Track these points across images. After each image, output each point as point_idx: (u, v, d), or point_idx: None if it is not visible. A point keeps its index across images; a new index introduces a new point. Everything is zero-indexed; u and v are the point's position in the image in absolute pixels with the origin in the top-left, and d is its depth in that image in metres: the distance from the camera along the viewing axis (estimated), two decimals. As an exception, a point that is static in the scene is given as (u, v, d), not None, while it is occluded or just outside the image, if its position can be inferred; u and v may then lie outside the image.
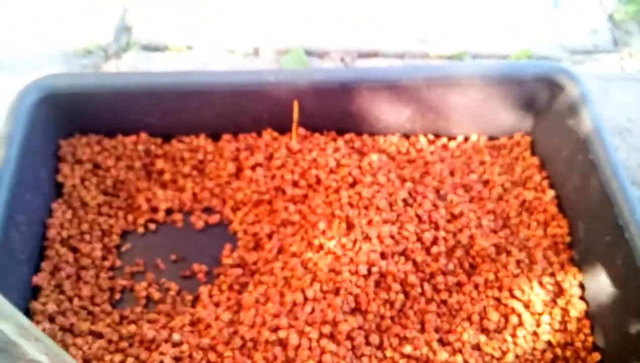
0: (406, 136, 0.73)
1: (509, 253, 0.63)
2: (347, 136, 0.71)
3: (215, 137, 0.69)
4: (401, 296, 0.58)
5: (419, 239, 0.62)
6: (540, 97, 0.69)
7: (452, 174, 0.70)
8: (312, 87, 0.65)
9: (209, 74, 0.65)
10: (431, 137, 0.73)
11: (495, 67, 0.67)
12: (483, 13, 0.95)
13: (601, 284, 0.59)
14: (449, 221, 0.64)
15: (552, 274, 0.62)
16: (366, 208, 0.63)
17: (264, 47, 0.88)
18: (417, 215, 0.64)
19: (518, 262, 0.63)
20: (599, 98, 0.85)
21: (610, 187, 0.58)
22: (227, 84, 0.64)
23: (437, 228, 0.63)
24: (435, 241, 0.62)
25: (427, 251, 0.62)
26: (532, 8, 0.96)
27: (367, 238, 0.60)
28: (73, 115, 0.64)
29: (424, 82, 0.67)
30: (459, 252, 0.62)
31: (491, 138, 0.75)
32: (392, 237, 0.60)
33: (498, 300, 0.61)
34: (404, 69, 0.67)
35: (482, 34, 0.92)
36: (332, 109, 0.69)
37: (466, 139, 0.74)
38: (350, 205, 0.64)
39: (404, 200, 0.65)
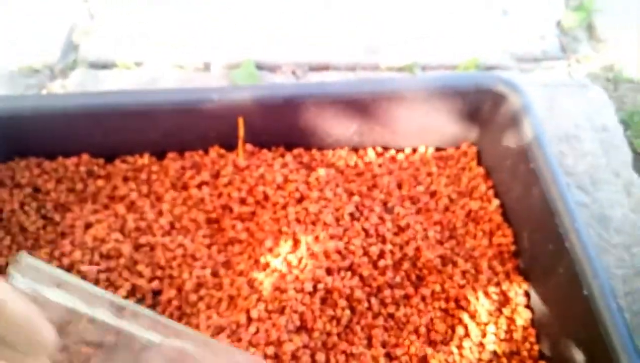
0: (355, 149, 0.73)
1: (455, 264, 0.63)
2: (296, 151, 0.71)
3: (160, 155, 0.68)
4: (347, 312, 0.58)
5: (366, 253, 0.62)
6: (484, 108, 0.70)
7: (399, 186, 0.70)
8: (256, 104, 0.65)
9: (151, 93, 0.64)
10: (380, 149, 0.74)
11: (438, 80, 0.68)
12: (433, 24, 0.96)
13: (546, 292, 0.60)
14: (395, 234, 0.65)
15: (498, 284, 0.63)
16: (313, 223, 0.63)
17: (215, 62, 0.87)
18: (364, 229, 0.64)
19: (464, 273, 0.63)
20: (547, 105, 0.86)
21: (551, 196, 0.59)
22: (170, 103, 0.63)
23: (384, 241, 0.63)
24: (382, 255, 0.62)
25: (374, 265, 0.62)
26: (481, 17, 0.98)
27: (313, 254, 0.60)
28: (11, 139, 0.63)
29: (369, 96, 0.67)
30: (405, 265, 0.62)
31: (439, 149, 0.75)
32: (339, 252, 0.60)
33: (445, 311, 0.61)
34: (348, 83, 0.67)
35: (432, 45, 0.93)
36: (279, 125, 0.68)
37: (414, 151, 0.75)
38: (298, 221, 0.63)
39: (351, 214, 0.65)
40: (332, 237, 0.61)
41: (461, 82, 0.68)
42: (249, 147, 0.69)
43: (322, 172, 0.67)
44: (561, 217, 0.57)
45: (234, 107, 0.65)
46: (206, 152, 0.69)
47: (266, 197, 0.66)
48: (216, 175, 0.67)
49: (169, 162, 0.67)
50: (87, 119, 0.63)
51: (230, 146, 0.69)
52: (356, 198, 0.66)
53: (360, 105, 0.68)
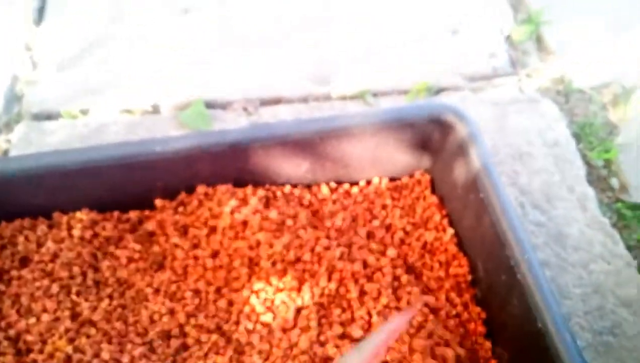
0: (309, 186, 0.73)
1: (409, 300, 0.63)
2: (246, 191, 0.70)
3: (101, 210, 0.67)
4: (305, 357, 0.57)
5: (326, 293, 0.61)
6: (434, 137, 0.69)
7: (354, 221, 0.70)
8: (201, 152, 0.64)
9: (92, 150, 0.63)
10: (333, 184, 0.73)
11: (384, 114, 0.67)
12: (382, 49, 0.95)
13: (503, 323, 0.60)
14: (353, 274, 0.64)
15: (457, 315, 0.63)
16: (273, 264, 0.62)
17: (163, 103, 0.86)
18: (325, 269, 0.63)
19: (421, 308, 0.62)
20: (498, 124, 0.87)
21: (501, 227, 0.59)
22: (112, 158, 0.62)
23: (341, 280, 0.63)
24: (344, 293, 0.62)
25: (335, 302, 0.61)
26: (430, 38, 0.98)
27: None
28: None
29: (317, 135, 0.66)
30: (370, 303, 0.62)
31: (393, 178, 0.75)
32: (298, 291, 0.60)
33: (406, 349, 0.60)
34: (294, 124, 0.67)
35: (383, 70, 0.92)
36: (226, 170, 0.67)
37: (368, 183, 0.74)
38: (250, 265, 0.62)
39: (311, 252, 0.64)
40: (293, 278, 0.61)
41: (408, 113, 0.68)
42: (200, 188, 0.68)
43: (273, 214, 0.66)
44: (512, 248, 0.57)
45: (179, 157, 0.63)
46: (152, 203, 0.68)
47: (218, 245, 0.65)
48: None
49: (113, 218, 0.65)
50: (27, 181, 0.61)
51: (176, 194, 0.68)
52: (310, 235, 0.65)
53: (308, 145, 0.67)
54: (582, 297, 0.71)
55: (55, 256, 0.62)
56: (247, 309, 0.60)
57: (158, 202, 0.67)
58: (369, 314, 0.61)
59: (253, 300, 0.61)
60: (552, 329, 0.52)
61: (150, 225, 0.65)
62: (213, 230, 0.65)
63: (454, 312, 0.63)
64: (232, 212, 0.64)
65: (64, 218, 0.65)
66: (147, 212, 0.67)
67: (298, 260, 0.63)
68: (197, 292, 0.62)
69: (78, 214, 0.65)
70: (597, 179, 0.84)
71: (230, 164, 0.67)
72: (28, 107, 0.84)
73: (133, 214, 0.67)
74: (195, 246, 0.64)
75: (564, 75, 0.96)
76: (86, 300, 0.60)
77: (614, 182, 0.84)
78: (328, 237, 0.67)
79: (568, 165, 0.83)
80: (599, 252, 0.75)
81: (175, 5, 1.00)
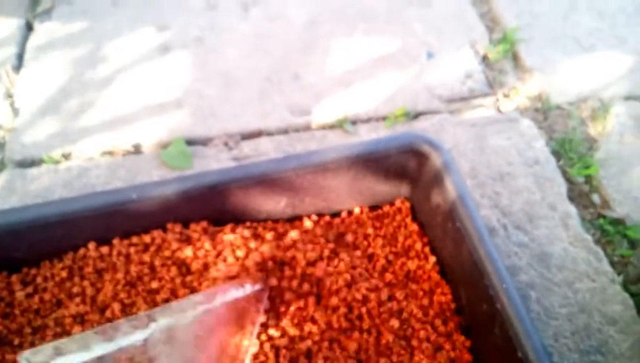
0: (290, 220, 0.73)
1: (396, 330, 0.63)
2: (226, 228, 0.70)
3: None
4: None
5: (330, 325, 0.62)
6: (410, 166, 0.70)
7: (336, 254, 0.70)
8: (179, 196, 0.64)
9: (70, 201, 0.63)
10: (315, 217, 0.73)
11: (359, 147, 0.68)
12: (359, 76, 0.96)
13: (486, 352, 0.60)
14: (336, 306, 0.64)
15: (442, 345, 0.63)
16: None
17: (145, 143, 0.87)
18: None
19: (408, 338, 0.63)
20: (478, 145, 0.87)
21: (479, 256, 0.59)
22: (90, 209, 0.62)
23: (335, 310, 0.63)
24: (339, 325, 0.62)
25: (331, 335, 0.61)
26: (407, 63, 0.99)
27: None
28: None
29: (292, 172, 0.67)
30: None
31: (374, 207, 0.75)
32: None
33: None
34: (268, 163, 0.67)
35: (361, 98, 0.93)
36: (205, 211, 0.68)
37: (350, 213, 0.75)
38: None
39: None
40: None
41: (383, 145, 0.68)
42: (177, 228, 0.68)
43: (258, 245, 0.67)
44: (490, 278, 0.57)
45: (155, 203, 0.64)
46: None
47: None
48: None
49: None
50: (8, 235, 0.62)
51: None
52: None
53: (285, 181, 0.68)
54: (569, 316, 0.71)
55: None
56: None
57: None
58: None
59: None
60: (532, 358, 0.52)
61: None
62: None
63: (439, 341, 0.63)
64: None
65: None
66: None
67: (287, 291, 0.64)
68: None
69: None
70: (578, 196, 0.84)
71: (208, 206, 0.68)
72: (10, 155, 0.84)
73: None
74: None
75: (541, 93, 0.97)
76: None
77: (596, 197, 0.84)
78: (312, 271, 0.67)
79: (549, 184, 0.84)
80: (584, 270, 0.75)
81: (155, 43, 1.01)
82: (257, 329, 0.59)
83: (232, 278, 0.63)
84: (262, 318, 0.61)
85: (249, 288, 0.60)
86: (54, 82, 0.94)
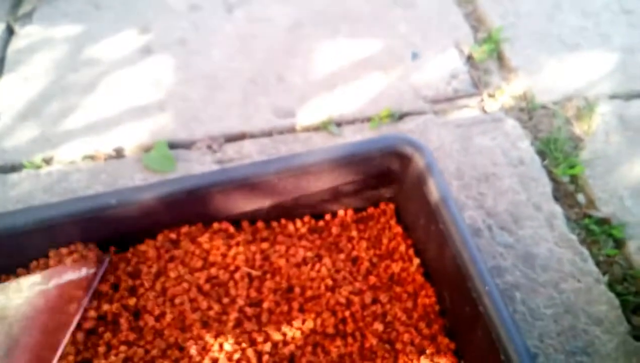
0: (273, 221, 0.72)
1: (380, 333, 0.62)
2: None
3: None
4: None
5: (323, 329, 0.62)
6: (393, 169, 0.70)
7: (319, 257, 0.69)
8: (158, 201, 0.63)
9: (47, 208, 0.62)
10: (298, 220, 0.73)
11: (341, 151, 0.67)
12: (344, 77, 0.96)
13: (470, 354, 0.60)
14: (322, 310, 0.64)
15: (425, 348, 0.62)
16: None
17: (127, 147, 0.86)
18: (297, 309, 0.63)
19: (392, 342, 0.62)
20: (463, 146, 0.87)
21: (461, 259, 0.59)
22: (68, 215, 0.61)
23: (319, 313, 0.63)
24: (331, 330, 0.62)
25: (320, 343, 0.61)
26: (391, 64, 0.98)
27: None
28: None
29: (274, 176, 0.66)
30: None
31: (358, 209, 0.75)
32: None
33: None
34: (251, 166, 0.66)
35: (345, 99, 0.93)
36: (186, 215, 0.67)
37: (334, 215, 0.74)
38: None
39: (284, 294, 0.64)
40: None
41: (365, 148, 0.68)
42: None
43: (240, 249, 0.66)
44: (473, 280, 0.57)
45: (135, 208, 0.63)
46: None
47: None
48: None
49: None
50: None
51: (130, 244, 0.67)
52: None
53: (267, 185, 0.67)
54: (554, 317, 0.71)
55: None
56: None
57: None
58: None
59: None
60: (515, 360, 0.52)
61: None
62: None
63: (424, 344, 0.62)
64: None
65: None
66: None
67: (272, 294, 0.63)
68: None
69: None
70: (564, 195, 0.84)
71: (189, 210, 0.67)
72: (-10, 160, 0.83)
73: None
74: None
75: (526, 92, 0.97)
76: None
77: (581, 197, 0.84)
78: (298, 274, 0.66)
79: (534, 184, 0.84)
80: (569, 270, 0.75)
81: (137, 46, 1.00)
82: (79, 315, 0.59)
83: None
84: (85, 302, 0.60)
85: (84, 272, 0.59)
86: (35, 86, 0.93)
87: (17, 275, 0.64)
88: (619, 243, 0.79)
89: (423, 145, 0.67)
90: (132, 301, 0.62)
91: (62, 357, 0.56)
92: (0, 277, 0.64)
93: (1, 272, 0.64)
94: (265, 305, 0.63)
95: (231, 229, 0.69)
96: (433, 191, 0.63)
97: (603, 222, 0.81)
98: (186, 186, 0.64)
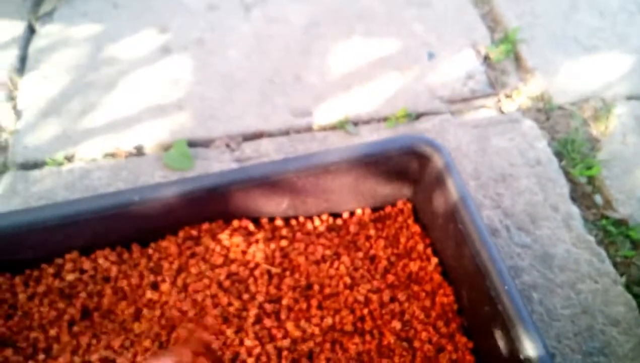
0: (292, 220, 0.73)
1: (398, 332, 0.63)
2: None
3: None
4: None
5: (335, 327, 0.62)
6: (411, 168, 0.70)
7: (338, 255, 0.70)
8: (179, 199, 0.64)
9: (71, 204, 0.63)
10: (317, 219, 0.73)
11: (360, 150, 0.68)
12: (360, 77, 0.96)
13: (489, 353, 0.60)
14: (338, 309, 0.64)
15: (444, 347, 0.63)
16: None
17: (147, 145, 0.87)
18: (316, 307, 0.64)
19: (410, 340, 0.63)
20: (480, 146, 0.87)
21: (480, 258, 0.59)
22: (91, 211, 0.63)
23: (337, 312, 0.64)
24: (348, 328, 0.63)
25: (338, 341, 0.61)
26: (408, 64, 0.99)
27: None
28: None
29: (293, 175, 0.67)
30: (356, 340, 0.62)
31: (376, 209, 0.75)
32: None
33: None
34: (270, 165, 0.67)
35: (362, 98, 0.93)
36: (205, 213, 0.68)
37: (352, 214, 0.75)
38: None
39: (300, 293, 0.64)
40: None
41: (384, 147, 0.68)
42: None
43: (260, 246, 0.67)
44: (492, 279, 0.57)
45: (158, 205, 0.64)
46: (128, 250, 0.68)
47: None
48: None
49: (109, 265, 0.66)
50: (11, 238, 0.62)
51: (150, 241, 0.68)
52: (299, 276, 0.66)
53: (286, 184, 0.68)
54: (571, 317, 0.71)
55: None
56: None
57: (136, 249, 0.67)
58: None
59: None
60: (534, 360, 0.52)
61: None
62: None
63: (442, 343, 0.63)
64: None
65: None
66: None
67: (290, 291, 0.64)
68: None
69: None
70: (581, 196, 0.84)
71: (210, 207, 0.68)
72: (13, 157, 0.85)
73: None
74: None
75: (543, 93, 0.97)
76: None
77: (598, 198, 0.84)
78: (317, 273, 0.67)
79: (551, 184, 0.84)
80: (586, 271, 0.75)
81: (155, 45, 1.01)
82: None
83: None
84: None
85: None
86: (56, 84, 0.94)
87: (41, 270, 0.65)
88: (637, 245, 0.79)
89: (441, 145, 0.67)
90: (155, 296, 0.63)
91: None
92: (25, 272, 0.65)
93: (26, 266, 0.65)
94: (285, 302, 0.64)
95: (251, 227, 0.70)
96: (452, 191, 0.64)
97: (620, 223, 0.81)
98: (207, 184, 0.65)
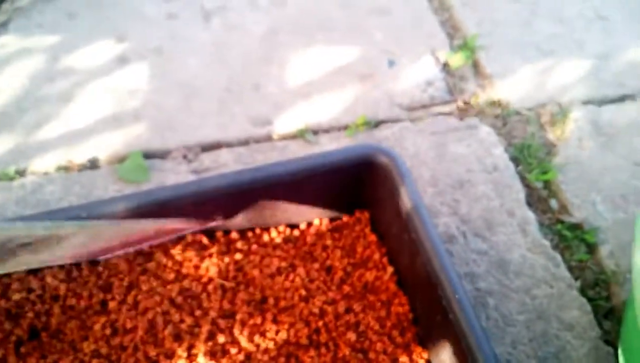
0: (249, 231, 0.72)
1: (353, 343, 0.63)
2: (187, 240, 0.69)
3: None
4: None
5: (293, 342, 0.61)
6: (368, 178, 0.70)
7: (293, 267, 0.69)
8: (130, 214, 0.63)
9: (18, 222, 0.62)
10: (274, 232, 0.73)
11: (316, 160, 0.68)
12: (320, 85, 0.96)
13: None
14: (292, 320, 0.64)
15: (396, 359, 0.63)
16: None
17: (101, 157, 0.85)
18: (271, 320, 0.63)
19: (365, 351, 0.62)
20: (438, 153, 0.88)
21: (432, 267, 0.59)
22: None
23: (292, 324, 0.63)
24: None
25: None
26: (367, 71, 0.99)
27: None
28: None
29: (245, 187, 0.66)
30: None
31: (334, 218, 0.75)
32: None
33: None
34: (222, 177, 0.67)
35: (321, 107, 0.93)
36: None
37: (309, 225, 0.74)
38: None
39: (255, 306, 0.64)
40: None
41: (334, 158, 0.68)
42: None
43: (214, 260, 0.66)
44: (443, 288, 0.58)
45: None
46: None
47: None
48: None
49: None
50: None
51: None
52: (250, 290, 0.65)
53: (238, 197, 0.67)
54: (526, 323, 0.72)
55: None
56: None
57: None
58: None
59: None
60: (484, 370, 0.52)
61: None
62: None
63: (397, 353, 0.63)
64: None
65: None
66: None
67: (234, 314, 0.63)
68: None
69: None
70: (537, 201, 0.85)
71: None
72: (-38, 173, 0.82)
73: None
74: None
75: (501, 99, 0.98)
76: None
77: (554, 203, 0.85)
78: (271, 285, 0.66)
79: (508, 190, 0.84)
80: (541, 276, 0.76)
81: (113, 55, 0.99)
82: None
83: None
84: None
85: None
86: (10, 96, 0.92)
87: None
88: (591, 248, 0.80)
89: (396, 154, 0.67)
90: (105, 314, 0.62)
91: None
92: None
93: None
94: (239, 316, 0.63)
95: (205, 240, 0.69)
96: (405, 200, 0.64)
97: (575, 227, 0.82)
98: (158, 198, 0.64)
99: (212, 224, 0.68)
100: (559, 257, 0.78)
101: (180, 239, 0.68)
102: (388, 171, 0.67)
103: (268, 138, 0.90)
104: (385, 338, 0.64)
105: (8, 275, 0.63)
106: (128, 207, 0.62)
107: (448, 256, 0.60)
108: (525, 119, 0.95)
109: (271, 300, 0.65)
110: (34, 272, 0.64)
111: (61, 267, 0.65)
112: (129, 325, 0.61)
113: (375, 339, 0.64)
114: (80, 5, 1.07)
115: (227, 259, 0.67)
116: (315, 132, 0.91)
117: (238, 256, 0.68)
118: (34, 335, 0.62)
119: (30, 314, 0.62)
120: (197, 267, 0.66)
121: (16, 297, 0.62)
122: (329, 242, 0.72)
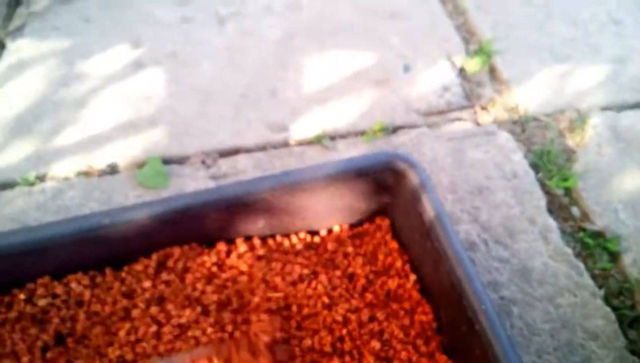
0: (269, 238, 0.72)
1: (378, 350, 0.62)
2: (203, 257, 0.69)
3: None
4: None
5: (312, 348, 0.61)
6: (388, 185, 0.69)
7: (315, 274, 0.69)
8: (151, 220, 0.63)
9: (42, 229, 0.62)
10: (294, 237, 0.72)
11: (336, 167, 0.67)
12: (337, 91, 0.96)
13: (468, 372, 0.60)
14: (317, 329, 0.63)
15: (423, 367, 0.62)
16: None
17: (120, 163, 0.85)
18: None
19: (388, 359, 0.62)
20: (456, 159, 0.87)
21: (457, 277, 0.59)
22: (61, 236, 0.61)
23: (315, 333, 0.63)
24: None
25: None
26: (383, 77, 0.99)
27: None
28: None
29: (267, 194, 0.66)
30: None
31: (353, 225, 0.74)
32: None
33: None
34: (242, 185, 0.66)
35: (338, 113, 0.93)
36: (179, 233, 0.67)
37: (329, 231, 0.74)
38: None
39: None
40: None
41: (359, 164, 0.68)
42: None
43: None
44: (469, 299, 0.57)
45: (129, 227, 0.62)
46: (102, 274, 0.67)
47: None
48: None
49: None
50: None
51: (124, 263, 0.67)
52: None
53: (261, 203, 0.67)
54: (551, 332, 0.71)
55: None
56: None
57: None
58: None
59: None
60: (513, 381, 0.52)
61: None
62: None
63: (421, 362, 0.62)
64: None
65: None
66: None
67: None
68: None
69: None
70: (558, 208, 0.85)
71: (184, 229, 0.66)
72: (-18, 179, 0.82)
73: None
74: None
75: (519, 104, 0.97)
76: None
77: (575, 210, 0.84)
78: (294, 294, 0.66)
79: (528, 197, 0.84)
80: (565, 285, 0.75)
81: (128, 60, 0.99)
82: None
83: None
84: None
85: None
86: (26, 102, 0.92)
87: (13, 295, 0.63)
88: (614, 257, 0.79)
89: (416, 161, 0.67)
90: (129, 320, 0.61)
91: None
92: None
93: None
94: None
95: (226, 247, 0.68)
96: (427, 208, 0.63)
97: (597, 235, 0.81)
98: (180, 205, 0.64)
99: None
100: (581, 265, 0.77)
101: (201, 247, 0.68)
102: (408, 178, 0.66)
103: (285, 144, 0.90)
104: (409, 347, 0.64)
105: (33, 280, 0.63)
106: (151, 213, 0.62)
107: (472, 265, 0.59)
108: (544, 125, 0.95)
109: (294, 308, 0.65)
110: (57, 277, 0.64)
111: (85, 272, 0.65)
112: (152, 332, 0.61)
113: (400, 348, 0.63)
114: (95, 9, 1.08)
115: (250, 267, 0.67)
116: (333, 138, 0.90)
117: (260, 264, 0.68)
118: (60, 341, 0.61)
119: (56, 320, 0.62)
120: (219, 275, 0.65)
121: (42, 302, 0.62)
122: (350, 249, 0.72)
